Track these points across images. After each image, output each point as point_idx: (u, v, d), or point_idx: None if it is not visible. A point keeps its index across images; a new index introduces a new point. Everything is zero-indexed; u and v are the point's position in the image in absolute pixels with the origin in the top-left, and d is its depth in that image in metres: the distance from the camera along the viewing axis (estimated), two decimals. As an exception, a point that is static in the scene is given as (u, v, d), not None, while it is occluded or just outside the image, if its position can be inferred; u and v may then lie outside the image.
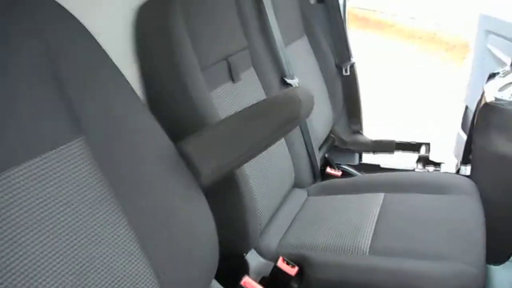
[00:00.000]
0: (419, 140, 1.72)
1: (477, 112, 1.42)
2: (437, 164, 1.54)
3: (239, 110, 1.09)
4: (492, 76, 1.50)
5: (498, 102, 1.17)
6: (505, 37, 2.00)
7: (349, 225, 1.11)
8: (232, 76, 1.12)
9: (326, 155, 1.72)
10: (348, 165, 1.76)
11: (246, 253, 1.08)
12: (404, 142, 1.74)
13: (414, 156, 1.69)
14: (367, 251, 1.01)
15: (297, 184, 1.37)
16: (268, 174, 1.17)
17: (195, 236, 0.78)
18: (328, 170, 1.52)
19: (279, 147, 1.28)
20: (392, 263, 0.94)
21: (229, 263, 1.05)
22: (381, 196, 1.22)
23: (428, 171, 1.52)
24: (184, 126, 0.95)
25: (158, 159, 0.73)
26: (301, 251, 1.07)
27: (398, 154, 1.75)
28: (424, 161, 1.57)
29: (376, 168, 1.72)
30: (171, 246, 0.72)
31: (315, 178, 1.44)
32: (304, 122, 1.38)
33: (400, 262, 0.95)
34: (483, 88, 1.47)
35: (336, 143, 1.81)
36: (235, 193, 0.99)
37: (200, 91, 0.95)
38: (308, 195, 1.37)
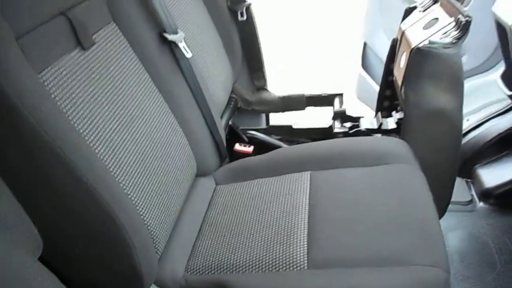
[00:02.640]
0: (331, 91, 1.50)
1: (398, 57, 1.22)
2: (355, 119, 1.34)
3: (101, 89, 0.72)
4: (408, 11, 1.31)
5: (431, 46, 0.96)
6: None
7: (275, 226, 0.85)
8: (80, 40, 0.72)
9: (230, 122, 1.41)
10: (256, 129, 1.49)
11: (144, 293, 0.77)
12: (315, 95, 1.50)
13: (328, 110, 1.47)
14: (305, 264, 0.76)
15: (200, 172, 1.05)
16: (158, 179, 0.83)
17: None
18: (237, 146, 1.23)
19: (171, 132, 0.94)
20: (343, 281, 0.71)
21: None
22: (306, 176, 0.98)
23: (347, 128, 1.31)
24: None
25: None
26: (217, 276, 0.79)
27: (310, 110, 1.52)
28: (341, 117, 1.36)
29: (288, 129, 1.48)
30: None
31: (222, 159, 1.13)
32: (199, 90, 1.04)
33: (349, 276, 0.72)
34: (400, 28, 1.28)
35: (239, 104, 1.51)
36: (110, 228, 0.65)
37: (10, 72, 0.55)
38: (216, 183, 1.07)
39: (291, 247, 0.79)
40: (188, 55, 0.98)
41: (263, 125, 1.56)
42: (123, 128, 0.77)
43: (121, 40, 0.85)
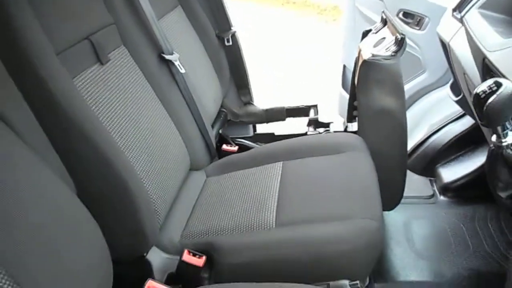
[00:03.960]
0: (307, 103, 1.74)
1: (357, 70, 1.47)
2: (326, 125, 1.58)
3: (115, 94, 0.96)
4: (365, 34, 1.56)
5: (375, 58, 1.21)
6: (369, -5, 2.12)
7: (252, 201, 1.07)
8: (99, 57, 0.97)
9: (221, 131, 1.65)
10: (244, 138, 1.72)
11: (147, 253, 0.98)
12: (294, 107, 1.75)
13: (305, 120, 1.71)
14: (273, 224, 0.98)
15: (193, 167, 1.28)
16: (158, 164, 1.06)
17: (80, 248, 0.66)
18: (224, 146, 1.46)
19: (168, 132, 1.17)
20: (299, 233, 0.93)
21: (131, 267, 0.94)
22: (279, 165, 1.20)
23: (319, 132, 1.55)
24: (47, 120, 0.80)
25: None
26: (207, 238, 1.00)
27: (289, 120, 1.76)
28: (314, 123, 1.60)
29: (271, 136, 1.71)
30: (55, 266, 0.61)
31: (211, 158, 1.36)
32: (191, 100, 1.28)
33: (306, 229, 0.93)
34: (358, 47, 1.53)
35: (229, 117, 1.76)
36: (122, 192, 0.88)
37: (57, 79, 0.80)
38: (207, 176, 1.29)
39: (263, 213, 1.01)
40: (182, 71, 1.23)
41: (250, 134, 1.79)
42: (132, 122, 1.01)
43: (129, 59, 1.10)
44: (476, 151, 1.70)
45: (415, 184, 1.74)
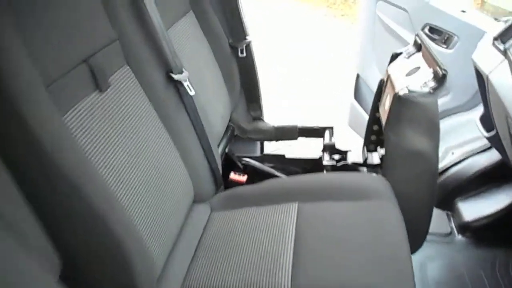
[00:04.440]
0: (322, 124, 1.60)
1: (384, 98, 1.33)
2: (343, 152, 1.44)
3: (113, 126, 0.82)
4: (395, 56, 1.42)
5: (411, 94, 1.07)
6: (393, 4, 1.96)
7: (264, 254, 0.94)
8: (98, 84, 0.83)
9: (226, 150, 1.51)
10: (251, 157, 1.59)
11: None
12: (307, 127, 1.61)
13: (318, 142, 1.57)
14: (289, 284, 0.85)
15: (197, 198, 1.15)
16: (159, 204, 0.92)
17: None
18: (232, 176, 1.33)
19: (172, 163, 1.03)
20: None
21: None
22: (294, 207, 1.07)
23: (335, 160, 1.42)
24: (27, 173, 0.65)
25: None
26: (210, 297, 0.88)
27: (302, 140, 1.62)
28: (330, 149, 1.46)
29: (280, 159, 1.58)
30: None
31: (217, 187, 1.23)
32: (199, 123, 1.14)
33: None
34: (387, 71, 1.39)
35: (236, 132, 1.61)
36: (116, 250, 0.74)
37: (42, 119, 0.65)
38: (212, 211, 1.16)
39: (278, 273, 0.88)
40: (192, 93, 1.08)
41: (258, 153, 1.66)
42: (131, 160, 0.87)
43: (133, 81, 0.95)
44: (501, 188, 1.58)
45: (432, 218, 1.63)
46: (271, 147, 1.67)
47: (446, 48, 1.82)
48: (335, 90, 2.73)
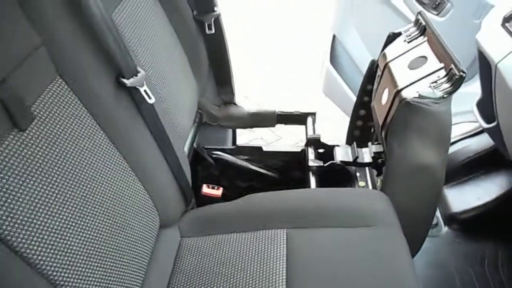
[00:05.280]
0: (303, 110, 1.40)
1: (381, 87, 1.14)
2: (329, 147, 1.26)
3: (46, 173, 0.59)
4: (392, 37, 1.21)
5: (422, 101, 0.88)
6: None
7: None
8: (16, 121, 0.57)
9: (195, 145, 1.29)
10: (223, 149, 1.38)
11: None
12: (287, 113, 1.41)
13: (300, 130, 1.38)
14: None
15: (163, 222, 0.95)
16: (115, 247, 0.73)
17: None
18: (205, 189, 1.12)
19: (129, 193, 0.81)
20: None
21: None
22: (283, 235, 0.90)
23: (321, 161, 1.23)
24: None
25: None
26: None
27: (280, 128, 1.42)
28: (315, 144, 1.27)
29: (257, 151, 1.38)
30: None
31: (187, 204, 1.03)
32: (162, 133, 0.91)
33: None
34: (384, 54, 1.18)
35: (205, 119, 1.39)
36: None
37: None
38: (181, 236, 0.97)
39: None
40: (151, 100, 0.84)
41: (229, 143, 1.45)
42: (75, 210, 0.65)
43: (69, 99, 0.70)
44: (491, 176, 1.48)
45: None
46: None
47: (437, 15, 1.63)
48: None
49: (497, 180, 1.46)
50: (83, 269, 0.64)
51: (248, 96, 2.41)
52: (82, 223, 0.66)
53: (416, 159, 0.92)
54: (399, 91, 0.96)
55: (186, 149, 1.18)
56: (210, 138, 1.42)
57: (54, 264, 0.59)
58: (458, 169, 1.51)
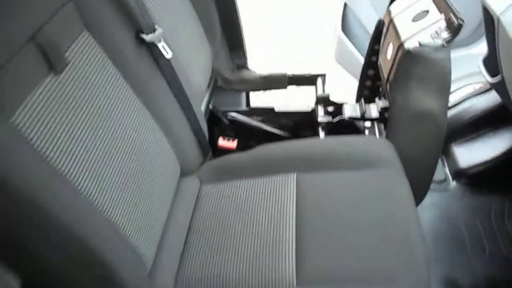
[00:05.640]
0: (313, 71, 1.46)
1: (384, 42, 1.18)
2: (338, 105, 1.32)
3: (77, 114, 0.67)
4: (396, -7, 1.25)
5: (423, 49, 0.93)
6: None
7: (263, 237, 0.86)
8: (52, 64, 0.66)
9: (210, 106, 1.37)
10: (237, 111, 1.45)
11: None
12: (298, 75, 1.46)
13: (310, 91, 1.44)
14: (294, 282, 0.78)
15: (184, 171, 1.03)
16: (142, 191, 0.81)
17: None
18: (221, 142, 1.20)
19: (152, 139, 0.90)
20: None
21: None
22: (293, 178, 0.97)
23: (330, 115, 1.30)
24: None
25: None
26: (208, 290, 0.80)
27: (292, 89, 1.48)
28: (324, 102, 1.33)
29: (269, 112, 1.45)
30: None
31: (205, 155, 1.11)
32: (180, 88, 0.99)
33: None
34: (388, 10, 1.23)
35: (219, 83, 1.46)
36: (96, 262, 0.64)
37: None
38: (201, 184, 1.05)
39: (280, 262, 0.81)
40: (168, 55, 0.92)
41: (243, 106, 1.52)
42: (105, 153, 0.73)
43: (96, 50, 0.78)
44: (498, 133, 1.52)
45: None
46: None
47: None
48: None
49: (504, 136, 1.50)
50: (116, 196, 0.73)
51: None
52: (113, 158, 0.75)
53: (418, 106, 0.98)
54: (402, 43, 1.01)
55: (202, 109, 1.25)
56: (225, 102, 1.50)
57: (90, 185, 0.68)
58: (466, 127, 1.54)
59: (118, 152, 0.76)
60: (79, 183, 0.65)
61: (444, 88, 0.98)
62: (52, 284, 0.64)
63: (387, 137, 1.07)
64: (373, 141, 1.06)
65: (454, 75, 1.67)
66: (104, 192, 0.70)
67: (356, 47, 2.07)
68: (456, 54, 1.74)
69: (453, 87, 1.59)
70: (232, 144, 1.19)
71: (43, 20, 0.65)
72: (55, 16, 0.67)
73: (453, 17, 0.93)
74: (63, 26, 0.69)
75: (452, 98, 1.60)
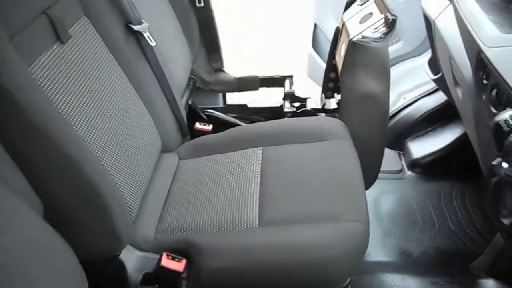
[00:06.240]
0: (282, 74, 1.65)
1: (339, 45, 1.39)
2: (303, 100, 1.51)
3: (77, 76, 0.83)
4: (349, 4, 1.47)
5: (364, 40, 1.13)
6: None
7: (232, 194, 1.01)
8: (59, 35, 0.82)
9: (190, 102, 1.54)
10: (214, 108, 1.62)
11: (120, 252, 0.91)
12: (268, 77, 1.65)
13: (279, 91, 1.63)
14: (257, 223, 0.93)
15: (165, 148, 1.19)
16: (129, 153, 0.96)
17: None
18: (197, 125, 1.36)
19: (138, 113, 1.06)
20: (284, 235, 0.89)
21: (105, 266, 0.88)
22: (259, 151, 1.13)
23: (296, 108, 1.48)
24: (1, 125, 0.67)
25: None
26: (184, 236, 0.94)
27: (263, 90, 1.67)
28: (290, 97, 1.52)
29: (243, 108, 1.62)
30: None
31: (183, 137, 1.27)
32: (162, 74, 1.16)
33: (292, 232, 0.90)
34: (342, 19, 1.44)
35: (198, 84, 1.63)
36: (94, 197, 0.78)
37: (12, 71, 0.66)
38: (179, 159, 1.20)
39: (245, 209, 0.95)
40: (152, 43, 1.09)
41: (220, 104, 1.69)
42: (99, 111, 0.89)
43: (92, 33, 0.95)
44: (446, 127, 1.72)
45: (384, 157, 1.76)
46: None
47: (398, -3, 1.89)
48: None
49: (450, 130, 1.70)
50: (107, 147, 0.88)
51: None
52: (105, 117, 0.90)
53: (363, 88, 1.16)
54: (350, 39, 1.21)
55: (183, 103, 1.42)
56: (204, 100, 1.67)
57: (85, 129, 0.83)
58: (418, 124, 1.75)
59: (109, 113, 0.92)
60: (77, 127, 0.81)
61: (384, 73, 1.17)
62: (61, 214, 0.78)
63: (339, 116, 1.25)
64: (327, 120, 1.24)
65: (410, 84, 1.90)
66: (97, 140, 0.85)
67: (325, 62, 2.29)
68: (411, 64, 1.98)
69: (414, 93, 1.81)
70: (208, 127, 1.35)
71: (51, 2, 0.82)
72: (61, 1, 0.85)
73: (388, 14, 1.13)
74: (67, 8, 0.87)
75: (407, 99, 1.82)
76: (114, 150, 0.90)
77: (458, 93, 1.25)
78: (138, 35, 1.08)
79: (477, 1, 1.17)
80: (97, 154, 0.85)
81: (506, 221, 0.63)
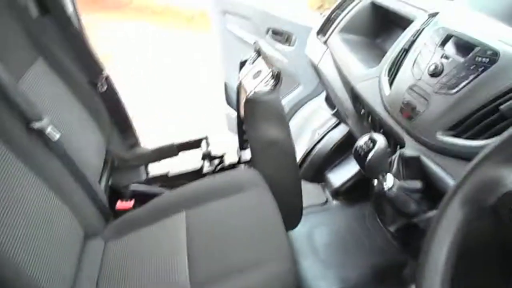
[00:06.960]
0: (197, 136, 1.73)
1: (241, 101, 1.50)
2: (221, 157, 1.59)
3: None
4: (242, 64, 1.61)
5: (257, 95, 1.25)
6: (239, 15, 2.18)
7: (161, 262, 1.03)
8: None
9: (110, 183, 1.55)
10: (137, 183, 1.64)
11: None
12: (184, 142, 1.72)
13: (198, 153, 1.70)
14: (188, 285, 0.95)
15: (90, 234, 1.18)
16: (47, 246, 0.95)
17: None
18: (119, 204, 1.37)
19: (53, 208, 1.05)
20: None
21: None
22: (182, 216, 1.17)
23: (215, 165, 1.55)
24: None
25: None
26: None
27: (182, 155, 1.72)
28: (209, 157, 1.59)
29: (165, 177, 1.66)
30: None
31: (106, 219, 1.27)
32: (73, 164, 1.17)
33: (225, 286, 0.93)
34: (239, 77, 1.57)
35: (116, 163, 1.65)
36: None
37: None
38: (105, 242, 1.20)
39: (175, 274, 0.98)
40: (56, 137, 1.12)
41: (143, 177, 1.71)
42: (8, 218, 0.88)
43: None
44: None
45: (309, 192, 1.86)
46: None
47: (289, 45, 2.09)
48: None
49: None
50: (22, 263, 0.86)
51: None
52: (13, 228, 0.89)
53: (267, 136, 1.27)
54: (246, 96, 1.33)
55: (102, 186, 1.43)
56: (126, 177, 1.68)
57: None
58: (332, 155, 1.89)
59: (20, 216, 0.92)
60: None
61: (282, 120, 1.29)
62: None
63: (252, 166, 1.34)
64: (242, 171, 1.32)
65: (320, 121, 2.06)
66: (11, 243, 0.84)
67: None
68: (315, 103, 2.16)
69: (323, 128, 1.97)
70: (129, 204, 1.37)
71: None
72: None
73: (274, 69, 1.27)
74: None
75: (319, 134, 1.97)
76: (31, 250, 0.89)
77: (349, 122, 1.40)
78: (39, 132, 1.10)
79: (346, 44, 1.37)
80: (12, 254, 0.83)
81: (391, 229, 0.72)
